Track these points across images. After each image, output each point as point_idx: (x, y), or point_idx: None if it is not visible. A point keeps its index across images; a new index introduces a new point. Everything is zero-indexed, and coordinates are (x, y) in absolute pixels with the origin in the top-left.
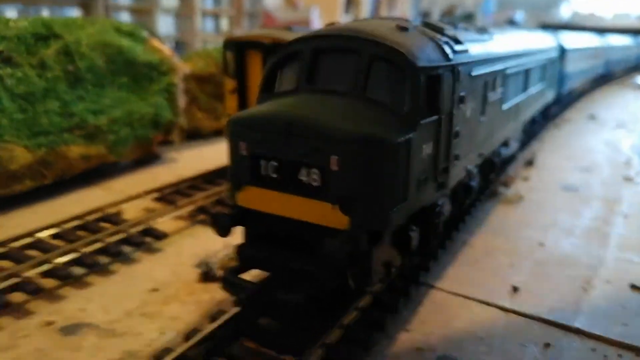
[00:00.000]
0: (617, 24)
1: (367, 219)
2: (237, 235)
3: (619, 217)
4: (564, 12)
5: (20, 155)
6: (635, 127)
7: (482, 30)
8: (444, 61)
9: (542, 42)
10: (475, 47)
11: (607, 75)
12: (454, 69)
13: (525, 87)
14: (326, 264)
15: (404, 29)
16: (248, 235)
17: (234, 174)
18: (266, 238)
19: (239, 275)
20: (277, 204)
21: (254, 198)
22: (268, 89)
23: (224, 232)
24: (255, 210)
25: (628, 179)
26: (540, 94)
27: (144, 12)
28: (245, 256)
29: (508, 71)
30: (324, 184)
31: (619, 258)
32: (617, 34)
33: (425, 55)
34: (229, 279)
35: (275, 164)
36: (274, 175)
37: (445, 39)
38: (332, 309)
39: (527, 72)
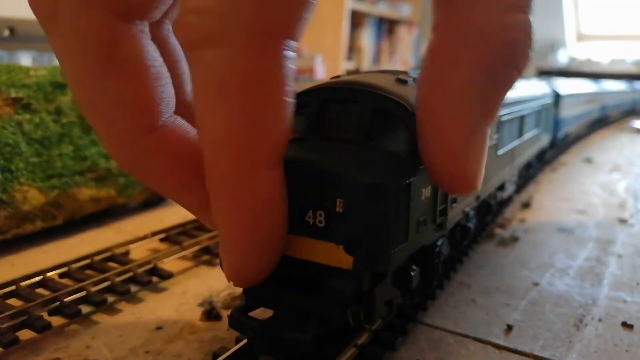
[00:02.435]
0: (613, 69)
1: (370, 259)
2: None
3: (613, 257)
4: (561, 58)
5: (34, 196)
6: (630, 170)
7: None
8: None
9: (536, 89)
10: None
11: (603, 120)
12: None
13: (520, 133)
14: (332, 303)
15: (403, 81)
16: None
17: None
18: (271, 277)
19: (245, 314)
20: (285, 245)
21: None
22: None
23: None
24: None
25: (622, 221)
26: (535, 138)
27: None
28: (251, 295)
29: (503, 118)
30: (329, 225)
31: (612, 297)
32: (613, 79)
33: None
34: (236, 318)
35: None
36: None
37: None
38: (334, 346)
39: (522, 119)
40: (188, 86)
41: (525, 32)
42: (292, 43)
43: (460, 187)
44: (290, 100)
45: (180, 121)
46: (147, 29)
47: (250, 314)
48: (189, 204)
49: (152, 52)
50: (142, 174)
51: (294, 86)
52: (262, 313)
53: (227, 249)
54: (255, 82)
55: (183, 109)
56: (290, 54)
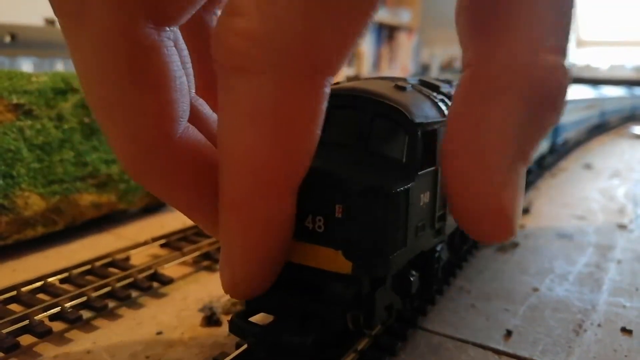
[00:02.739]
0: (613, 75)
1: (369, 264)
2: None
3: (612, 263)
4: None
5: (35, 202)
6: (630, 175)
7: None
8: (439, 117)
9: None
10: None
11: (603, 125)
12: None
13: None
14: (332, 307)
15: (402, 88)
16: None
17: None
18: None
19: (245, 319)
20: None
21: None
22: None
23: None
24: None
25: (622, 226)
26: None
27: None
28: (251, 300)
29: None
30: (329, 231)
31: (611, 302)
32: (612, 85)
33: (422, 112)
34: (236, 323)
35: None
36: None
37: (440, 96)
38: (334, 351)
39: None
40: (193, 88)
41: (561, 74)
42: (332, 79)
43: (499, 232)
44: (319, 133)
45: (193, 131)
46: (175, 35)
47: (250, 319)
48: (197, 216)
49: (178, 62)
50: (155, 184)
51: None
52: (262, 318)
53: (231, 264)
54: (293, 114)
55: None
56: (328, 90)
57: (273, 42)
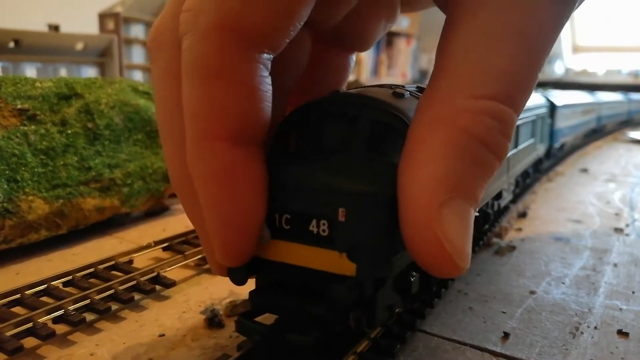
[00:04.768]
0: (609, 80)
1: (372, 266)
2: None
3: (608, 266)
4: (557, 69)
5: (39, 206)
6: (626, 180)
7: None
8: None
9: (531, 100)
10: None
11: (599, 130)
12: None
13: (516, 143)
14: (335, 308)
15: (400, 95)
16: (260, 282)
17: None
18: (277, 284)
19: (251, 319)
20: (289, 253)
21: (269, 248)
22: (277, 149)
23: (240, 281)
24: (268, 259)
25: (618, 230)
26: (531, 148)
27: None
28: (257, 301)
29: None
30: (332, 234)
31: (607, 305)
32: (609, 90)
33: None
34: (243, 323)
35: (288, 216)
36: (287, 227)
37: None
38: (334, 354)
39: (517, 129)
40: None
41: (490, 121)
42: (265, 50)
43: (440, 266)
44: (260, 92)
45: (257, 155)
46: (270, 58)
47: (256, 319)
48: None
49: (265, 83)
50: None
51: (266, 84)
52: (267, 319)
53: (204, 228)
54: (217, 69)
55: None
56: (260, 56)
57: (201, 11)
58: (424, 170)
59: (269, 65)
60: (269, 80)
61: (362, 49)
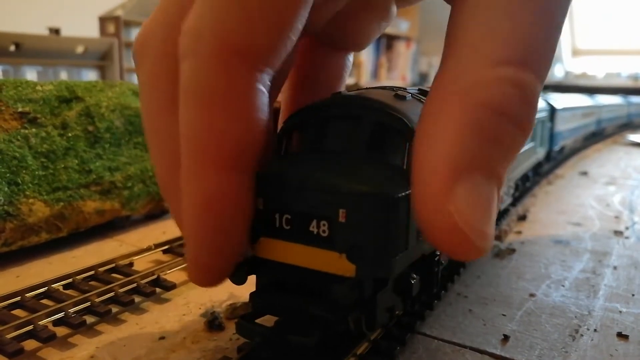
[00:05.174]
0: (609, 83)
1: (372, 267)
2: (234, 285)
3: (608, 269)
4: (557, 72)
5: (39, 209)
6: (626, 183)
7: None
8: None
9: None
10: None
11: (599, 133)
12: None
13: None
14: (335, 309)
15: (402, 97)
16: (260, 283)
17: (251, 227)
18: (277, 285)
19: (252, 321)
20: (289, 254)
21: (269, 248)
22: (278, 150)
23: (240, 281)
24: (268, 259)
25: (618, 233)
26: (531, 151)
27: None
28: (258, 302)
29: None
30: (332, 235)
31: (607, 308)
32: (608, 93)
33: None
34: (244, 324)
35: (288, 216)
36: (287, 227)
37: None
38: (335, 353)
39: None
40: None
41: (514, 89)
42: (266, 69)
43: (455, 247)
44: (259, 117)
45: (249, 183)
46: (270, 76)
47: (257, 321)
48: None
49: (264, 108)
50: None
51: (265, 106)
52: (268, 322)
53: (186, 245)
54: (216, 92)
55: None
56: (261, 76)
57: (200, 33)
58: (435, 150)
59: (269, 84)
60: (267, 101)
61: (358, 48)
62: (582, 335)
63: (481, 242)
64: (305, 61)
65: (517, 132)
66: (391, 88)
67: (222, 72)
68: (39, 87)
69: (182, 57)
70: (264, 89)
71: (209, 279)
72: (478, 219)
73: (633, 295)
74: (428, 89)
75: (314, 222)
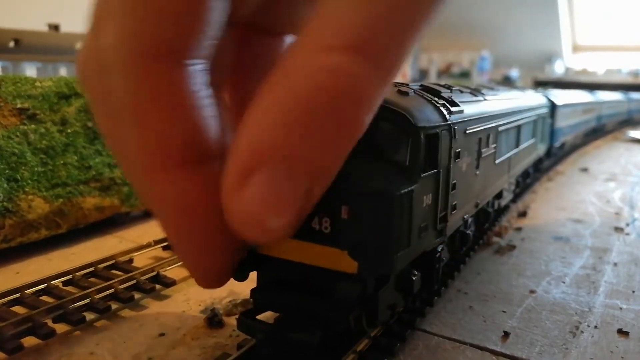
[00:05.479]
0: (609, 79)
1: (374, 264)
2: (234, 282)
3: (608, 265)
4: (558, 69)
5: (39, 205)
6: (626, 179)
7: (476, 91)
8: (441, 121)
9: (532, 99)
10: (470, 108)
11: (599, 129)
12: (450, 128)
13: (517, 142)
14: (337, 306)
15: (404, 93)
16: (262, 279)
17: None
18: (279, 282)
19: (253, 318)
20: (292, 250)
21: (270, 245)
22: None
23: (241, 277)
24: (269, 255)
25: (618, 229)
26: (532, 148)
27: None
28: (259, 299)
29: (500, 128)
30: (335, 232)
31: (607, 304)
32: (609, 89)
33: (424, 116)
34: (244, 321)
35: None
36: None
37: (442, 101)
38: (334, 352)
39: (518, 128)
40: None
41: (332, 77)
42: (191, 61)
43: (241, 233)
44: (197, 106)
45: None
46: (200, 68)
47: (258, 317)
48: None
49: (203, 96)
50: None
51: (202, 94)
52: (269, 317)
53: (177, 254)
54: (142, 99)
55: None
56: (187, 69)
57: (115, 46)
58: (241, 134)
59: (205, 73)
60: (206, 90)
61: (295, 30)
62: (582, 331)
63: (262, 236)
64: (244, 50)
65: (332, 126)
66: (394, 84)
67: (142, 77)
68: (38, 83)
69: (106, 75)
70: (197, 79)
71: (208, 279)
72: (263, 213)
73: (633, 291)
74: (430, 85)
75: (316, 219)
